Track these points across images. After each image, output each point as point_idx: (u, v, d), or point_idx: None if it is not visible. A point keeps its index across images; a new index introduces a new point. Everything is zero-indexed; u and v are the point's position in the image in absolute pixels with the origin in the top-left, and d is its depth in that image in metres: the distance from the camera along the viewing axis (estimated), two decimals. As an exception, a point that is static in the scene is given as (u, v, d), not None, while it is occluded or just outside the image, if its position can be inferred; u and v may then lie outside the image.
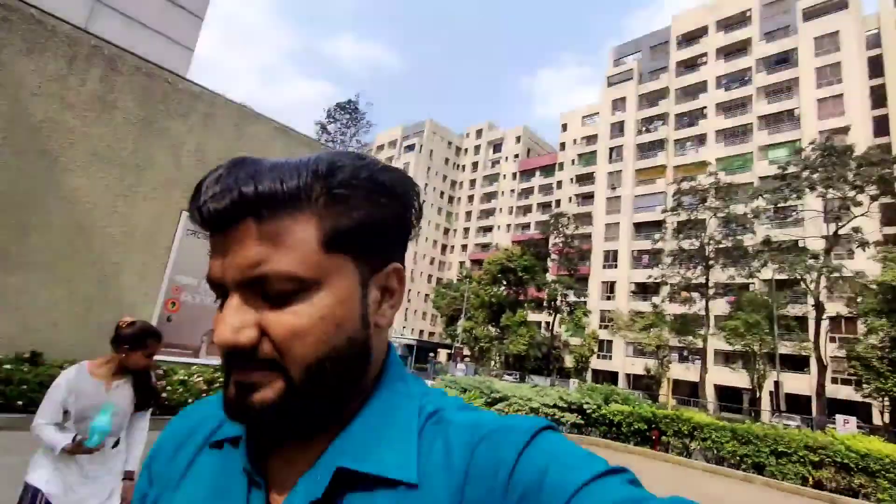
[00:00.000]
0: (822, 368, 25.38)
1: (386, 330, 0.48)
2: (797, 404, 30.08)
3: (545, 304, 39.27)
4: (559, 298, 37.24)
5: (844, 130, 32.22)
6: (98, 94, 6.10)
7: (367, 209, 0.42)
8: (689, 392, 34.93)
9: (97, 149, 6.08)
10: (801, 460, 9.30)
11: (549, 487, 0.37)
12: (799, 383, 30.27)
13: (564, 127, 55.67)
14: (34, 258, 5.56)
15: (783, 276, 26.31)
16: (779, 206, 27.95)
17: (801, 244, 27.85)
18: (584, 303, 40.75)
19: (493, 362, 39.95)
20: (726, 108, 39.69)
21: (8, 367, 5.07)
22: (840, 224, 25.87)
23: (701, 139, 40.53)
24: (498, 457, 0.40)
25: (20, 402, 5.01)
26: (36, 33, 5.65)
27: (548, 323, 42.01)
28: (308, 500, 0.40)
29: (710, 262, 29.89)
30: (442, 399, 0.48)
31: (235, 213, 0.39)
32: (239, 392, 0.40)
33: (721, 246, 29.33)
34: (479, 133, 70.24)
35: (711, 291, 29.73)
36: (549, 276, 40.84)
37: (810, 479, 9.08)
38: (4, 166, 5.39)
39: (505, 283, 39.17)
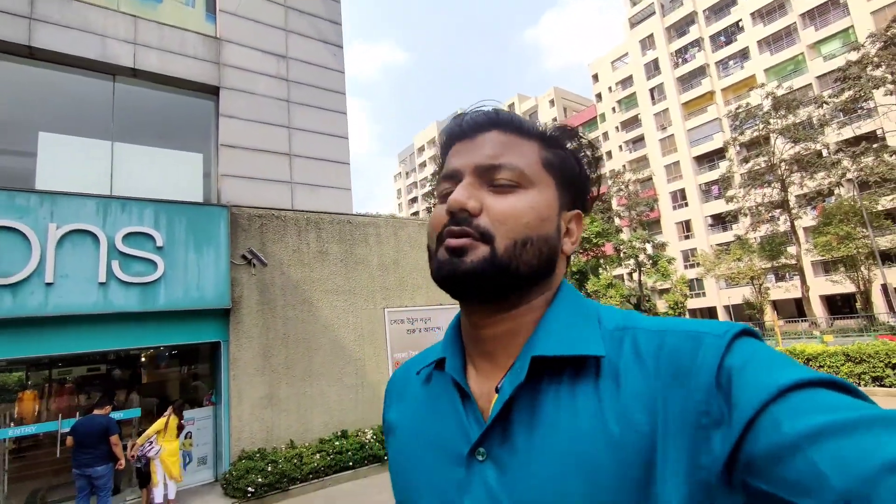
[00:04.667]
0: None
1: (564, 262, 0.61)
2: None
3: (622, 257, 40.15)
4: (639, 255, 37.97)
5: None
6: (317, 249, 8.84)
7: (564, 153, 0.60)
8: (794, 311, 34.77)
9: (325, 286, 8.84)
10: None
11: (749, 390, 0.38)
12: (911, 275, 29.42)
13: (596, 77, 55.01)
14: (320, 370, 8.43)
15: (866, 179, 25.78)
16: (849, 105, 27.02)
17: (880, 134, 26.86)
18: (664, 245, 41.14)
19: (587, 325, 41.20)
20: (763, 14, 37.95)
21: (336, 443, 7.95)
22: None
23: (743, 54, 39.15)
24: (695, 361, 0.42)
25: (350, 463, 7.88)
26: (278, 226, 8.46)
27: (630, 274, 42.83)
28: (514, 385, 0.49)
29: (785, 179, 29.54)
30: (617, 310, 0.56)
31: (487, 124, 0.59)
32: (451, 256, 0.53)
33: (795, 158, 28.79)
34: (510, 108, 70.56)
35: (795, 209, 29.44)
36: (623, 236, 41.61)
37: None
38: (290, 319, 8.26)
39: (581, 251, 40.42)
